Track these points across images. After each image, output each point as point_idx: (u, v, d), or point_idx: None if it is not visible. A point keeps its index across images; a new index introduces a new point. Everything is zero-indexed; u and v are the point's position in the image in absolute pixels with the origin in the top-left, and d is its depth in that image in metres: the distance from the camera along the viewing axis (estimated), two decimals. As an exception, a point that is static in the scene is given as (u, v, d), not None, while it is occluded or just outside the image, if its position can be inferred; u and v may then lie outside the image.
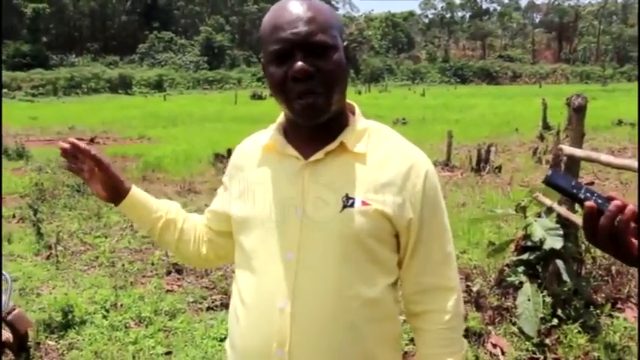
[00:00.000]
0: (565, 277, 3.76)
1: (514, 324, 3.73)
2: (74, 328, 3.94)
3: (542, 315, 3.57)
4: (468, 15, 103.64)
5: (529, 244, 3.95)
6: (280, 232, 1.25)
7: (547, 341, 3.55)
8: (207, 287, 4.72)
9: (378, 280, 1.27)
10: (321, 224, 1.23)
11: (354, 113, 1.33)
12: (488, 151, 10.31)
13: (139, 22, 75.61)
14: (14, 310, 3.32)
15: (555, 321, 3.65)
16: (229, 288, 4.45)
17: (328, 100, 1.21)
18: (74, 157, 1.43)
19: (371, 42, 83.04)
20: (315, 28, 1.17)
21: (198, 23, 77.00)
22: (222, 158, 10.51)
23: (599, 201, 0.92)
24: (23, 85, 46.62)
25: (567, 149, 3.97)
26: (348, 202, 1.22)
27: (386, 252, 1.27)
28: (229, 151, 10.44)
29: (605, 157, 3.84)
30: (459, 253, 4.99)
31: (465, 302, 3.97)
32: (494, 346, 3.57)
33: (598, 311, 3.84)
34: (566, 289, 3.78)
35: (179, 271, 5.09)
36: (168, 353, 3.66)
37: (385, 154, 1.27)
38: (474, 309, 3.97)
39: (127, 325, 4.04)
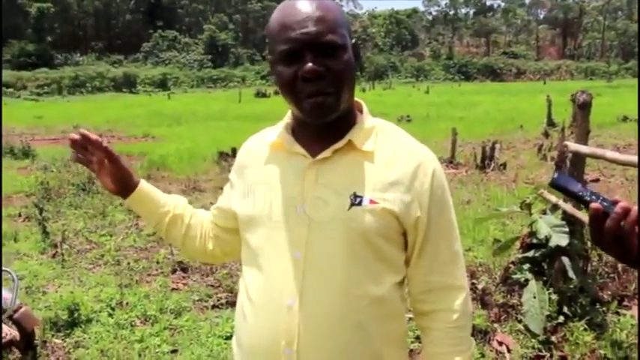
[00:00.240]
0: (571, 274, 3.74)
1: (520, 321, 3.72)
2: (80, 327, 3.96)
3: (548, 312, 3.56)
4: (471, 12, 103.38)
5: (534, 241, 3.94)
6: (287, 230, 1.25)
7: (553, 339, 3.54)
8: (212, 285, 4.73)
9: (385, 279, 1.27)
10: (328, 222, 1.23)
11: (361, 111, 1.33)
12: (492, 149, 10.29)
13: (143, 20, 75.65)
14: (21, 308, 3.33)
15: (561, 318, 3.64)
16: (235, 286, 4.46)
17: (338, 99, 1.21)
18: (83, 148, 1.41)
19: (374, 39, 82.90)
20: (325, 28, 1.16)
21: (202, 22, 77.05)
22: (226, 157, 10.51)
23: (605, 204, 0.92)
24: (28, 84, 46.73)
25: (572, 146, 3.96)
26: (356, 201, 1.22)
27: (393, 250, 1.27)
28: (234, 150, 10.44)
29: (610, 154, 3.82)
30: (464, 250, 4.96)
31: (471, 300, 3.98)
32: (500, 343, 3.56)
33: (604, 308, 3.83)
34: (572, 286, 3.77)
35: (184, 270, 5.10)
36: (174, 351, 3.67)
37: (393, 153, 1.27)
38: (480, 306, 3.96)
39: (133, 323, 4.06)
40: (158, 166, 10.61)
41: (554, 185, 0.97)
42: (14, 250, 5.75)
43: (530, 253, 3.94)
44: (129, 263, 5.28)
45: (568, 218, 3.88)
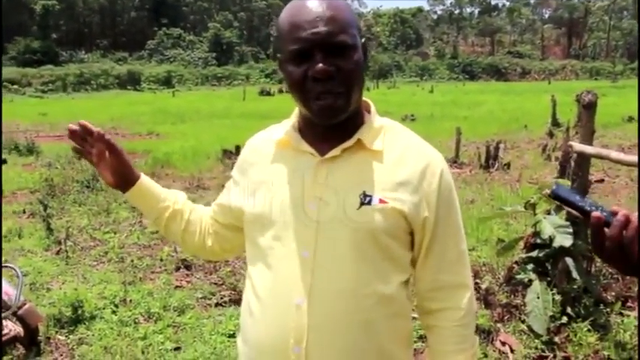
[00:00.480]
0: (575, 274, 3.74)
1: (523, 322, 3.72)
2: (84, 323, 3.97)
3: (551, 313, 3.55)
4: (476, 11, 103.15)
5: (538, 241, 3.93)
6: (296, 229, 1.25)
7: (556, 339, 3.54)
8: (216, 283, 4.74)
9: (392, 278, 1.27)
10: (338, 221, 1.23)
11: (369, 111, 1.33)
12: (497, 148, 10.27)
13: (148, 18, 75.73)
14: (25, 304, 3.35)
15: (565, 319, 3.63)
16: (238, 284, 4.47)
17: (347, 100, 1.21)
18: (83, 139, 1.40)
19: (379, 38, 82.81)
20: (336, 28, 1.16)
21: (207, 19, 77.09)
22: (230, 154, 10.53)
23: (605, 213, 0.92)
24: (33, 81, 46.82)
25: (577, 146, 3.95)
26: (365, 200, 1.22)
27: (400, 249, 1.28)
28: (237, 148, 10.45)
29: (615, 154, 3.81)
30: (468, 250, 4.96)
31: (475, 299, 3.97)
32: (503, 343, 3.56)
33: (608, 309, 3.82)
34: (575, 286, 3.77)
35: (188, 267, 5.11)
36: (177, 349, 3.67)
37: (401, 152, 1.28)
38: (483, 306, 3.96)
39: (136, 320, 4.07)
40: (162, 163, 10.62)
41: (554, 197, 0.98)
42: (18, 246, 5.77)
43: (534, 254, 3.93)
44: (132, 260, 5.29)
45: (572, 219, 3.86)
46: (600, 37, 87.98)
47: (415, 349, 3.34)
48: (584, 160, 3.99)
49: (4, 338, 3.33)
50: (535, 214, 4.02)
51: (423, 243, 1.29)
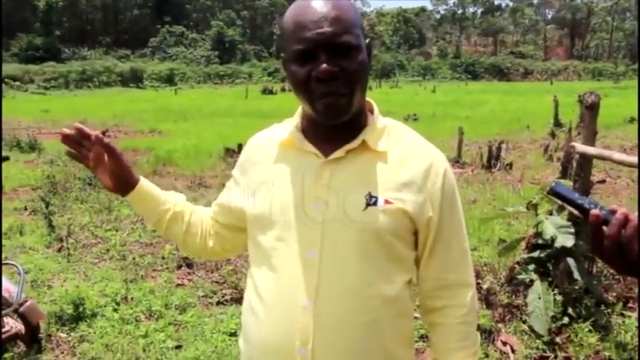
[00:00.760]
0: (576, 275, 3.74)
1: (524, 322, 3.72)
2: (85, 321, 3.97)
3: (552, 313, 3.56)
4: (479, 11, 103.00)
5: (540, 241, 3.93)
6: (300, 230, 1.25)
7: (557, 340, 3.54)
8: (217, 282, 4.74)
9: (396, 278, 1.28)
10: (343, 222, 1.23)
11: (372, 112, 1.33)
12: (499, 148, 10.26)
13: (151, 15, 75.76)
14: (26, 301, 3.35)
15: (566, 319, 3.63)
16: (239, 283, 4.47)
17: (351, 100, 1.21)
18: (78, 143, 1.37)
19: (382, 37, 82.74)
20: (340, 29, 1.16)
21: (210, 17, 77.04)
22: (232, 153, 10.52)
23: (604, 212, 0.91)
24: (36, 78, 46.86)
25: (579, 147, 3.94)
26: (371, 201, 1.23)
27: (404, 249, 1.29)
28: (240, 146, 10.45)
29: (617, 155, 3.81)
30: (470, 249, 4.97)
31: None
32: (504, 343, 3.56)
33: (609, 310, 3.82)
34: (577, 287, 3.76)
35: (189, 266, 5.11)
36: (179, 347, 3.68)
37: (404, 153, 1.28)
38: (484, 306, 3.96)
39: (138, 318, 4.07)
40: (164, 161, 10.63)
41: (553, 193, 0.98)
42: (20, 243, 5.78)
43: (536, 254, 3.93)
44: (134, 258, 5.29)
45: (574, 219, 3.86)
46: (603, 38, 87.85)
47: (416, 349, 3.34)
48: (586, 160, 3.98)
49: (5, 335, 3.34)
50: (537, 215, 4.01)
51: (427, 242, 1.30)
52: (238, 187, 1.40)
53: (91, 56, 61.62)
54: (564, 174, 5.42)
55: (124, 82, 51.22)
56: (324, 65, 1.16)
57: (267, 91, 37.29)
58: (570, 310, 3.69)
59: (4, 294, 3.15)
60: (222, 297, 4.41)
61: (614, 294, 4.09)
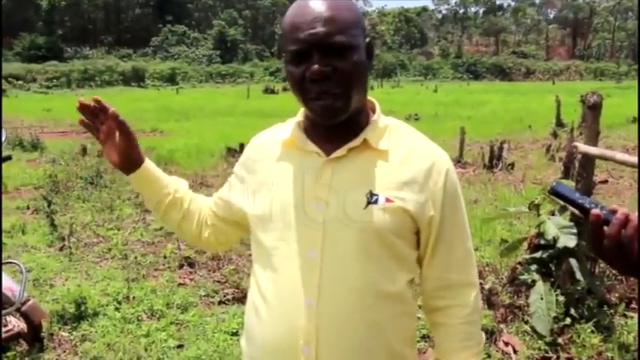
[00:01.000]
0: (578, 275, 3.73)
1: (526, 322, 3.72)
2: (87, 320, 3.97)
3: (555, 314, 3.55)
4: (481, 10, 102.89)
5: (542, 242, 3.93)
6: (302, 229, 1.25)
7: (560, 340, 3.53)
8: (219, 281, 4.74)
9: (399, 277, 1.28)
10: (344, 221, 1.23)
11: (374, 111, 1.33)
12: (500, 148, 10.24)
13: (153, 15, 75.78)
14: (28, 300, 3.36)
15: (568, 320, 3.63)
16: (241, 282, 4.47)
17: (346, 100, 1.20)
18: (94, 115, 1.38)
19: (384, 37, 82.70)
20: (334, 29, 1.16)
21: (212, 17, 77.03)
22: (234, 152, 10.52)
23: (604, 211, 0.91)
24: (38, 77, 46.88)
25: (582, 147, 3.94)
26: (372, 199, 1.23)
27: (406, 248, 1.28)
28: (242, 146, 10.44)
29: (620, 156, 3.80)
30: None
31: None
32: (506, 344, 3.56)
33: (612, 311, 3.81)
34: (579, 287, 3.76)
35: (191, 265, 5.11)
36: (180, 346, 3.68)
37: (406, 152, 1.28)
38: (486, 307, 3.95)
39: (139, 317, 4.07)
40: (166, 160, 10.61)
41: (554, 193, 0.98)
42: (22, 242, 5.78)
43: (538, 254, 3.93)
44: (136, 257, 5.29)
45: (576, 219, 3.86)
46: (605, 38, 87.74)
47: (418, 349, 3.34)
48: (588, 161, 3.97)
49: (7, 334, 3.35)
50: (539, 215, 4.01)
51: (429, 242, 1.30)
52: (239, 185, 1.41)
53: (93, 55, 61.63)
54: (566, 174, 5.42)
55: (125, 81, 51.22)
56: (316, 66, 1.16)
57: (268, 91, 37.29)
58: (573, 311, 3.69)
59: (7, 293, 3.15)
60: (224, 296, 4.41)
61: (617, 295, 4.08)
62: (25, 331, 3.46)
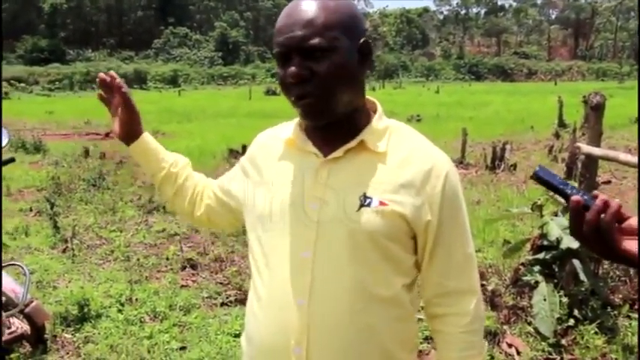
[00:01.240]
0: (582, 276, 3.72)
1: (530, 324, 3.71)
2: (90, 322, 3.97)
3: (558, 315, 3.54)
4: (483, 11, 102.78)
5: (545, 243, 3.92)
6: (296, 229, 1.26)
7: (563, 342, 3.52)
8: (221, 283, 4.74)
9: (393, 280, 1.26)
10: (336, 222, 1.23)
11: (375, 111, 1.32)
12: (503, 149, 10.24)
13: (155, 17, 75.86)
14: (32, 302, 3.36)
15: (572, 321, 3.62)
16: (244, 284, 4.47)
17: (328, 102, 1.20)
18: (110, 89, 1.51)
19: (385, 38, 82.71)
20: (310, 32, 1.17)
21: (213, 19, 77.12)
22: (236, 154, 10.53)
23: (585, 197, 0.93)
24: (40, 79, 46.96)
25: (585, 148, 3.93)
26: (365, 202, 1.22)
27: (402, 253, 1.26)
28: (244, 147, 10.45)
29: (623, 156, 3.80)
30: (475, 254, 4.95)
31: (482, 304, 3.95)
32: (510, 345, 3.55)
33: (615, 312, 3.80)
34: (583, 289, 3.75)
35: (194, 267, 5.11)
36: (183, 348, 3.68)
37: (406, 154, 1.26)
38: (489, 308, 3.94)
39: (142, 319, 4.07)
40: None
41: (536, 178, 0.99)
42: (25, 244, 5.79)
43: (541, 255, 3.92)
44: (138, 259, 5.30)
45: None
46: (607, 38, 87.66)
47: (421, 351, 3.34)
48: (591, 161, 3.97)
49: (11, 336, 3.35)
50: (542, 216, 4.00)
51: (427, 247, 1.28)
52: (243, 177, 1.44)
53: (95, 58, 61.71)
54: (569, 174, 5.42)
55: (127, 83, 48.15)
56: (292, 69, 1.18)
57: (270, 92, 37.26)
58: (576, 312, 3.68)
59: (10, 294, 3.15)
60: (227, 298, 4.41)
61: (621, 296, 4.07)
62: (29, 332, 3.46)
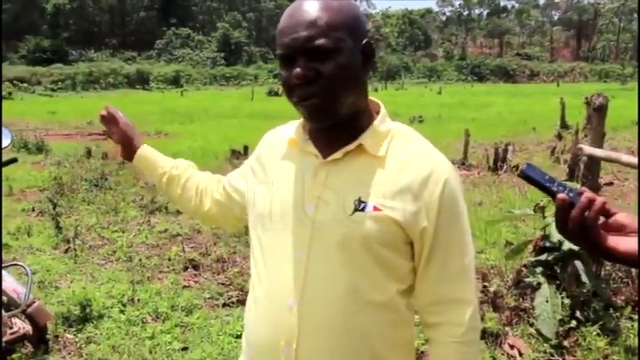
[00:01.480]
0: (584, 278, 3.71)
1: (532, 325, 3.70)
2: (92, 322, 3.98)
3: (560, 316, 3.53)
4: (485, 12, 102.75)
5: (547, 244, 3.91)
6: (293, 229, 1.26)
7: (565, 343, 3.52)
8: (223, 284, 4.74)
9: (387, 286, 1.25)
10: (330, 225, 1.23)
11: (378, 112, 1.31)
12: (505, 150, 10.23)
13: (157, 17, 75.97)
14: (34, 302, 3.36)
15: (574, 323, 3.61)
16: (245, 284, 4.46)
17: (333, 103, 1.20)
18: (108, 121, 1.67)
19: (388, 39, 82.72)
20: (315, 32, 1.16)
21: (216, 19, 77.22)
22: (238, 155, 10.54)
23: (571, 194, 0.95)
24: (43, 79, 46.99)
25: (587, 149, 3.93)
26: (359, 206, 1.21)
27: (397, 259, 1.25)
28: (246, 148, 10.47)
29: (625, 158, 3.80)
30: (476, 252, 4.94)
31: (482, 302, 3.95)
32: (512, 347, 3.55)
33: (618, 314, 3.79)
34: (585, 290, 3.75)
35: (196, 267, 5.12)
36: (185, 349, 3.68)
37: (405, 159, 1.24)
38: (491, 309, 3.94)
39: (144, 320, 4.08)
40: (170, 163, 10.63)
41: (523, 176, 1.01)
42: (27, 244, 5.80)
43: (543, 257, 3.91)
44: (140, 260, 5.30)
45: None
46: (610, 40, 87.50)
47: (422, 352, 3.33)
48: (594, 163, 3.97)
49: (13, 336, 3.35)
50: (544, 217, 3.99)
51: (423, 254, 1.25)
52: (249, 176, 1.44)
53: (98, 58, 61.78)
54: (571, 176, 5.41)
55: (130, 83, 51.32)
56: (297, 70, 1.17)
57: (272, 93, 37.27)
58: (578, 314, 3.67)
59: (12, 295, 3.16)
60: (229, 299, 4.41)
61: (623, 297, 4.06)
62: (31, 333, 3.46)
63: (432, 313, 1.29)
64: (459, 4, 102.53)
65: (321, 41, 1.16)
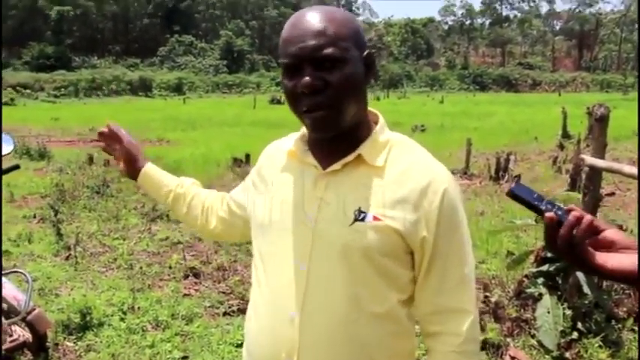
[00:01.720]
0: (586, 289, 3.70)
1: (533, 336, 3.69)
2: (92, 330, 3.97)
3: (562, 328, 3.52)
4: (487, 22, 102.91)
5: (549, 255, 3.90)
6: (294, 241, 1.26)
7: (567, 355, 3.50)
8: (224, 292, 4.73)
9: (388, 296, 1.25)
10: (330, 236, 1.22)
11: (377, 123, 1.31)
12: (507, 160, 10.22)
13: (160, 25, 76.27)
14: (34, 310, 3.35)
15: (575, 334, 3.59)
16: (246, 293, 4.45)
17: (339, 113, 1.19)
18: (108, 137, 1.65)
19: (390, 48, 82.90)
20: (323, 42, 1.16)
21: (219, 27, 77.48)
22: (240, 163, 10.54)
23: (559, 212, 0.96)
24: (46, 86, 47.17)
25: (589, 159, 3.92)
26: (359, 216, 1.21)
27: (398, 269, 1.25)
28: (247, 156, 10.47)
29: (627, 168, 3.78)
30: (477, 262, 4.94)
31: (484, 313, 3.94)
32: (513, 358, 3.53)
33: (620, 325, 3.78)
34: (586, 301, 3.73)
35: (196, 275, 5.11)
36: (185, 358, 3.67)
37: (404, 169, 1.24)
38: (493, 320, 3.93)
39: (144, 328, 4.06)
40: (173, 170, 10.56)
41: (511, 196, 1.01)
42: (28, 251, 5.79)
43: (545, 267, 3.91)
44: (141, 267, 5.29)
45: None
46: (611, 50, 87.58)
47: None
48: (595, 173, 3.96)
49: (13, 344, 3.34)
50: (546, 228, 3.98)
51: (422, 264, 1.25)
52: (250, 189, 1.44)
53: (101, 65, 62.02)
54: (573, 186, 5.40)
55: (133, 90, 51.48)
56: (306, 79, 1.16)
57: (275, 101, 37.35)
58: (580, 325, 3.66)
59: (12, 302, 3.15)
60: (229, 308, 4.40)
61: (625, 309, 4.04)
62: (31, 340, 3.45)
63: (431, 323, 1.29)
64: (462, 14, 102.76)
65: (329, 50, 1.16)
